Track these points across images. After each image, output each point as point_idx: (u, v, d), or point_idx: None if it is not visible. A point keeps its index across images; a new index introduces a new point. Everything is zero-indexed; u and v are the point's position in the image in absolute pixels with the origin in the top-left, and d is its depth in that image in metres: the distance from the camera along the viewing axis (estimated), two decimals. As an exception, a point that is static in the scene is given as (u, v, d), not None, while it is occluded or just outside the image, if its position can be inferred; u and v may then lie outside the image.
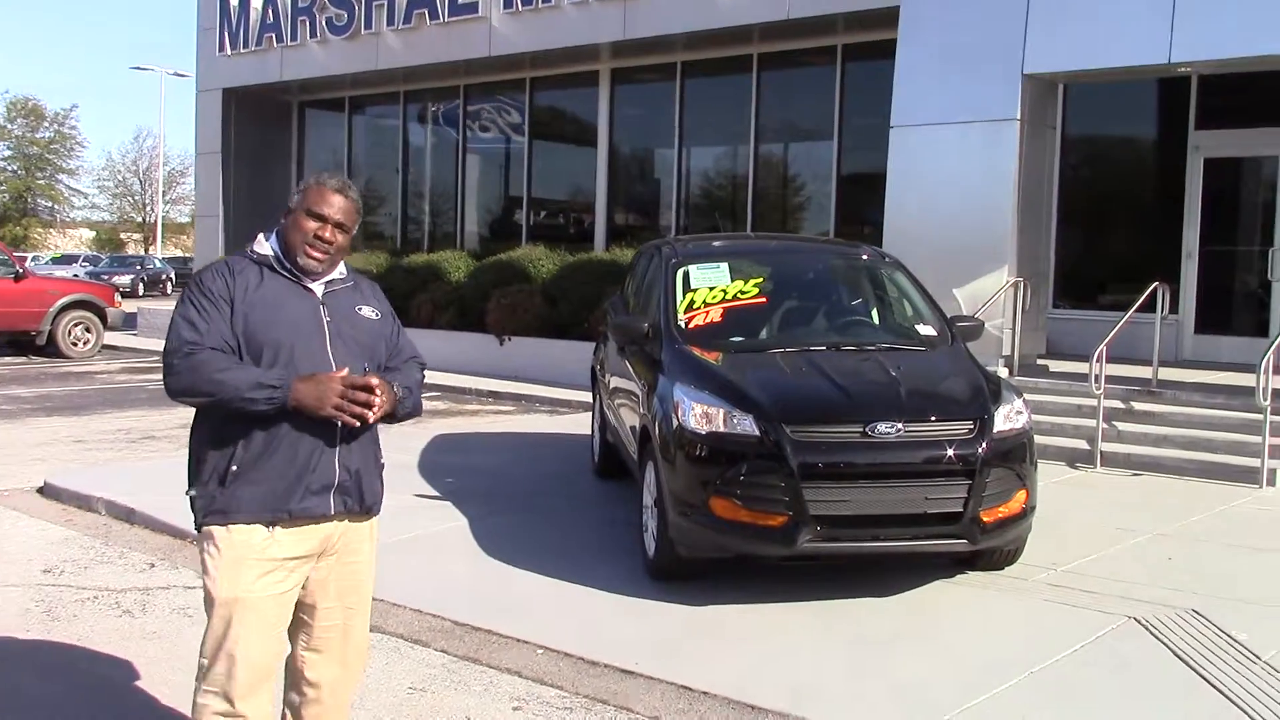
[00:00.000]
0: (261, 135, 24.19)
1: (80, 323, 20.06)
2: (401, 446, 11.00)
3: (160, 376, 3.72)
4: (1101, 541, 7.72)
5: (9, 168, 78.52)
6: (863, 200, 16.34)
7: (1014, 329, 11.94)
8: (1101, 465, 10.36)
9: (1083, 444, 10.64)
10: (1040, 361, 12.66)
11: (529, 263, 17.75)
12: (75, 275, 46.28)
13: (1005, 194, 11.96)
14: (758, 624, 6.10)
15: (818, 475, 6.01)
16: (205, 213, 24.18)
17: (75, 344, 19.97)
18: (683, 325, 7.29)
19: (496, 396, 15.48)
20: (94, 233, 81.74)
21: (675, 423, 6.43)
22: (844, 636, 5.92)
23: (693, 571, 6.60)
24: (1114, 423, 10.78)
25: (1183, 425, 10.56)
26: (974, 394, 6.50)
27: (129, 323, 24.15)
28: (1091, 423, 10.58)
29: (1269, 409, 9.54)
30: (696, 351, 6.99)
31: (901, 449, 6.09)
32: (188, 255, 54.50)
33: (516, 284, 17.41)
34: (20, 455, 10.83)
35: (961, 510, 6.10)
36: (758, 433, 6.13)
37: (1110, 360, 10.82)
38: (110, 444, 11.60)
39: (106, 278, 44.56)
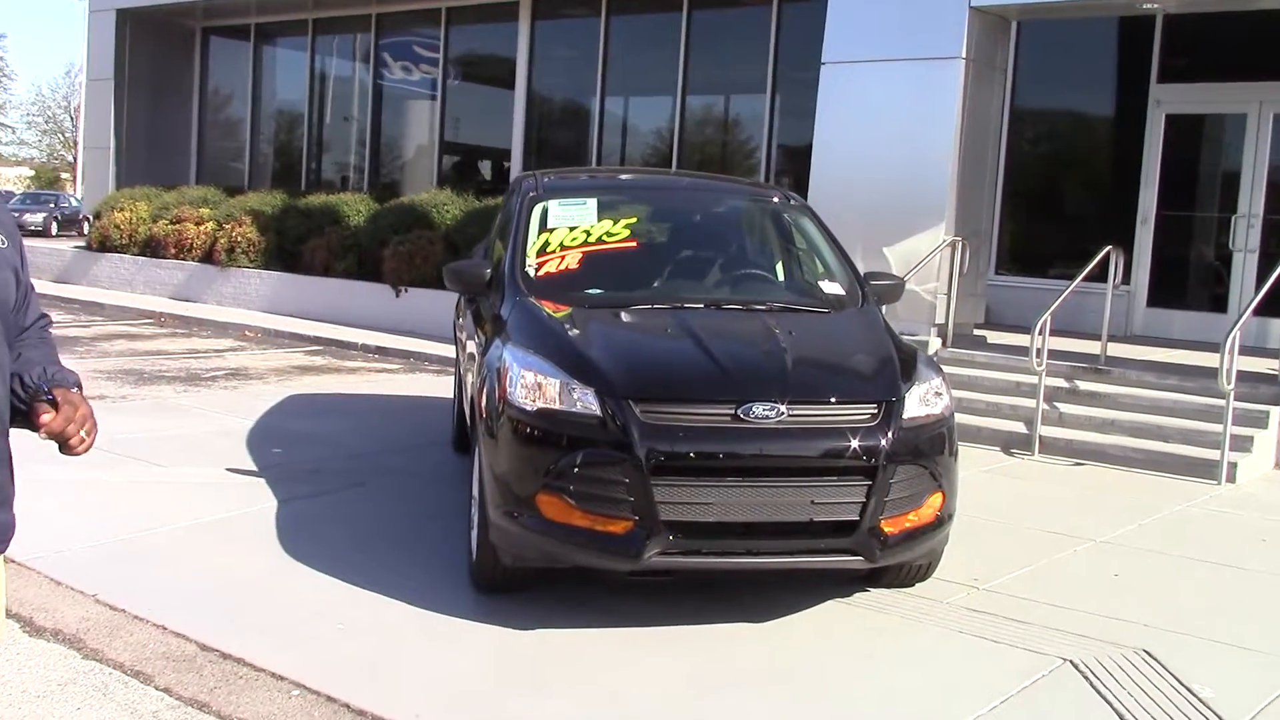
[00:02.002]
0: (160, 63, 22.32)
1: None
2: (244, 409, 9.57)
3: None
4: (1035, 550, 6.43)
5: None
6: (803, 156, 14.94)
7: (949, 294, 10.63)
8: (1040, 452, 9.09)
9: (1020, 427, 9.37)
10: (978, 332, 11.38)
11: (433, 208, 16.20)
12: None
13: (945, 142, 10.61)
14: (593, 657, 4.74)
15: (672, 470, 4.64)
16: (94, 144, 22.32)
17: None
18: (530, 273, 5.86)
19: (384, 353, 13.99)
20: (33, 171, 78.79)
21: (499, 394, 5.03)
22: (701, 678, 4.57)
23: (522, 582, 5.23)
24: (1056, 404, 9.51)
25: (1131, 409, 9.30)
26: (880, 370, 5.15)
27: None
28: (1031, 403, 9.30)
29: (1232, 394, 8.29)
30: (544, 306, 5.57)
31: (782, 438, 4.73)
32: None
33: (417, 230, 15.88)
34: None
35: (857, 518, 4.76)
36: (598, 412, 4.74)
37: (1055, 333, 9.54)
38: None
39: (17, 215, 42.56)
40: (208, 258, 18.18)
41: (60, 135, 78.40)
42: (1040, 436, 9.13)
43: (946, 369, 10.29)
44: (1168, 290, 12.83)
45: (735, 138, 17.07)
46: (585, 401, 4.77)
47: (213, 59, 23.02)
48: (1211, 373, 8.54)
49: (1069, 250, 12.74)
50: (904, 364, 5.22)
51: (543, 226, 6.09)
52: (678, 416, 4.73)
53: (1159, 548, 6.63)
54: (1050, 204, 14.11)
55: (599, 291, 5.79)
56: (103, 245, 20.05)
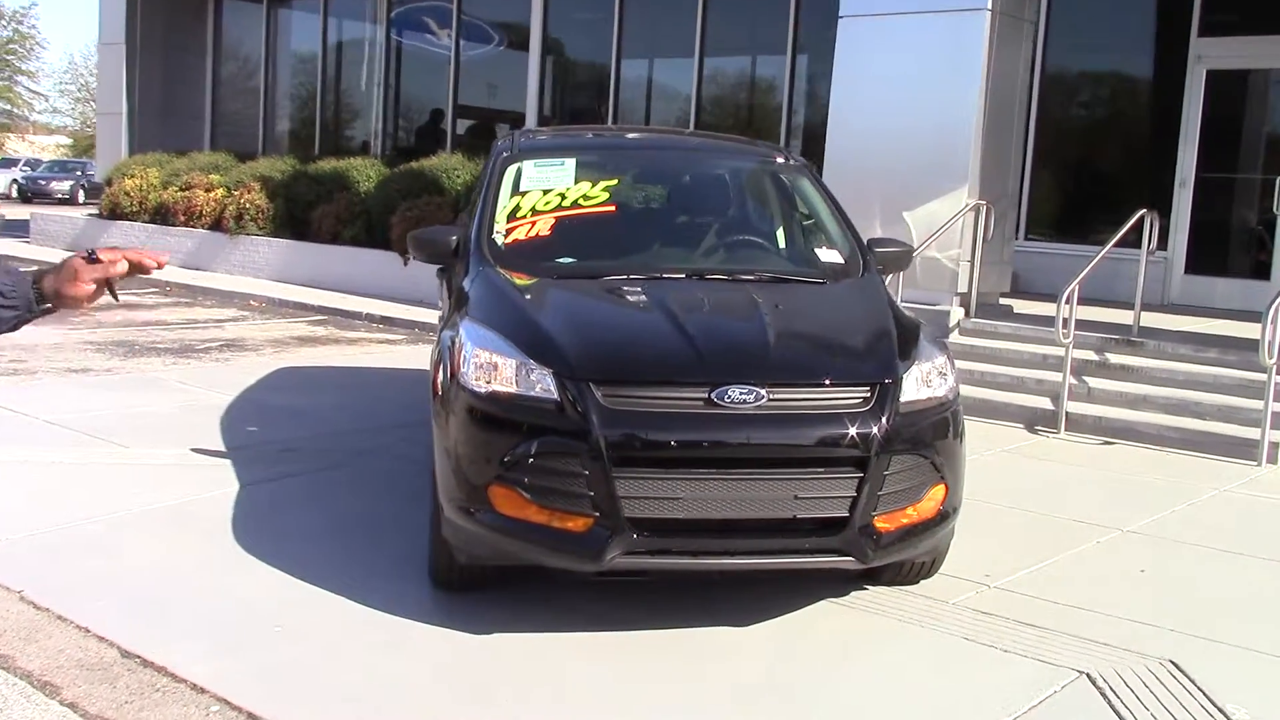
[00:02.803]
0: (173, 27, 21.86)
1: (-51, 227, 17.97)
2: (229, 383, 9.14)
3: None
4: (1054, 541, 5.89)
5: (-49, 67, 75.51)
6: (824, 118, 14.28)
7: (973, 261, 10.03)
8: (1066, 430, 8.52)
9: (1046, 403, 8.80)
10: (1004, 301, 10.78)
11: (443, 173, 15.69)
12: (14, 181, 44.08)
13: (968, 100, 9.97)
14: (553, 668, 4.26)
15: (637, 461, 4.14)
16: (107, 109, 21.94)
17: (-57, 250, 17.90)
18: (498, 240, 5.35)
19: (389, 323, 13.55)
20: (70, 140, 78.81)
21: (451, 374, 4.54)
22: (667, 690, 4.09)
23: (482, 580, 4.76)
24: (1084, 378, 8.93)
25: (1166, 383, 8.70)
26: (876, 348, 4.61)
27: (20, 229, 22.18)
28: (1057, 377, 8.72)
29: (1274, 368, 7.69)
30: (509, 277, 5.07)
31: (762, 425, 4.21)
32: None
33: (427, 196, 15.39)
34: None
35: (847, 514, 4.24)
36: (556, 396, 4.23)
37: (1085, 302, 8.95)
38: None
39: (44, 183, 42.42)
40: (217, 225, 17.78)
41: (92, 103, 78.40)
42: (1067, 413, 8.56)
43: (968, 341, 9.80)
44: (1207, 256, 12.18)
45: (755, 99, 16.45)
46: (544, 384, 4.27)
47: (226, 22, 22.57)
48: (1253, 345, 7.93)
49: (1103, 214, 12.10)
50: (904, 341, 4.68)
51: (515, 189, 5.58)
52: (644, 401, 4.22)
53: (1191, 538, 6.07)
54: (1084, 165, 13.45)
55: (571, 260, 5.27)
56: (113, 213, 19.70)
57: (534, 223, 5.37)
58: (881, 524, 4.32)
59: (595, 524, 4.14)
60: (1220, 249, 12.32)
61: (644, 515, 4.14)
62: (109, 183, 20.26)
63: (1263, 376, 7.80)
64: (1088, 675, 4.26)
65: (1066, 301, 8.44)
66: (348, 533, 5.63)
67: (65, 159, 51.16)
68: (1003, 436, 8.39)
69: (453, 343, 4.63)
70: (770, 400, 4.21)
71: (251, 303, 14.99)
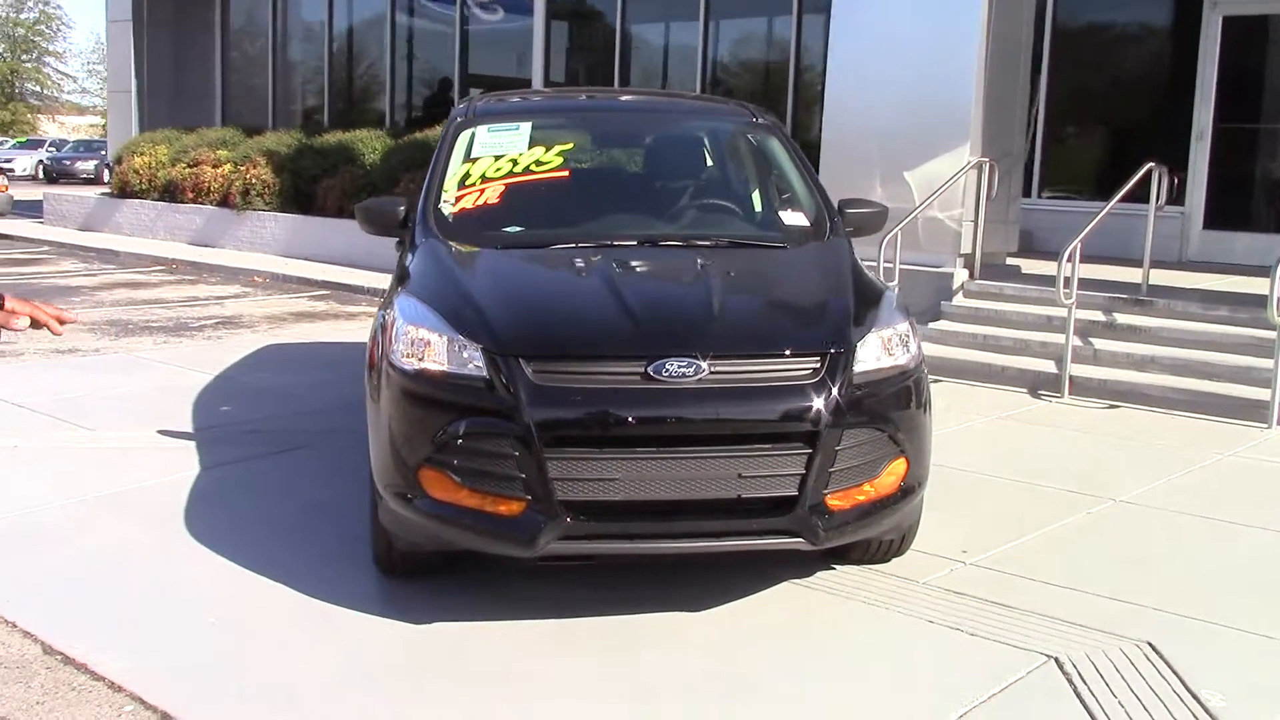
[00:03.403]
0: (181, 1, 21.73)
1: (-41, 208, 17.93)
2: (213, 361, 9.01)
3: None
4: (1042, 512, 5.62)
5: (-7, 49, 75.91)
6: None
7: (976, 221, 9.70)
8: (1070, 393, 8.22)
9: (1050, 366, 8.50)
10: (1012, 261, 10.45)
11: (447, 143, 15.45)
12: (40, 161, 44.26)
13: (968, 54, 9.60)
14: (492, 661, 4.05)
15: (568, 440, 3.90)
16: (117, 87, 21.82)
17: (-46, 232, 17.88)
18: (445, 210, 5.11)
19: (390, 296, 13.34)
20: (102, 120, 79.10)
21: (383, 351, 4.33)
22: (611, 680, 3.87)
23: (428, 566, 4.55)
24: (1090, 339, 8.61)
25: (1174, 343, 8.37)
26: (829, 314, 4.35)
27: (34, 209, 22.17)
28: (1062, 339, 8.41)
29: (1285, 326, 7.35)
30: (454, 248, 4.84)
31: (702, 400, 3.96)
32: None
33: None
34: None
35: (796, 493, 3.99)
36: (485, 373, 4.00)
37: (1098, 260, 8.63)
38: None
39: (68, 163, 42.58)
40: (224, 201, 17.65)
41: (120, 83, 78.51)
42: (1070, 376, 8.25)
43: (972, 303, 9.48)
44: (1227, 211, 11.76)
45: (763, 60, 16.09)
46: (475, 361, 4.04)
47: (234, -3, 22.38)
48: (1266, 302, 7.59)
49: (1121, 169, 11.63)
50: (862, 307, 4.41)
51: (467, 155, 5.33)
52: (576, 377, 3.98)
53: (1189, 508, 5.78)
54: (1100, 119, 13.04)
55: (518, 230, 5.03)
56: (123, 191, 19.62)
57: (483, 191, 5.13)
58: (835, 502, 4.07)
59: (527, 508, 3.92)
60: (1240, 202, 11.90)
61: (578, 498, 3.91)
62: (119, 161, 20.17)
63: (1273, 334, 7.47)
64: (1056, 660, 4.01)
65: (1068, 260, 8.12)
66: (303, 517, 5.44)
67: (90, 139, 51.18)
68: (1004, 402, 8.10)
69: (385, 319, 4.41)
70: (711, 373, 3.96)
71: (255, 279, 14.85)
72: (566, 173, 5.23)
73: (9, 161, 45.20)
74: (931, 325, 9.41)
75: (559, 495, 3.88)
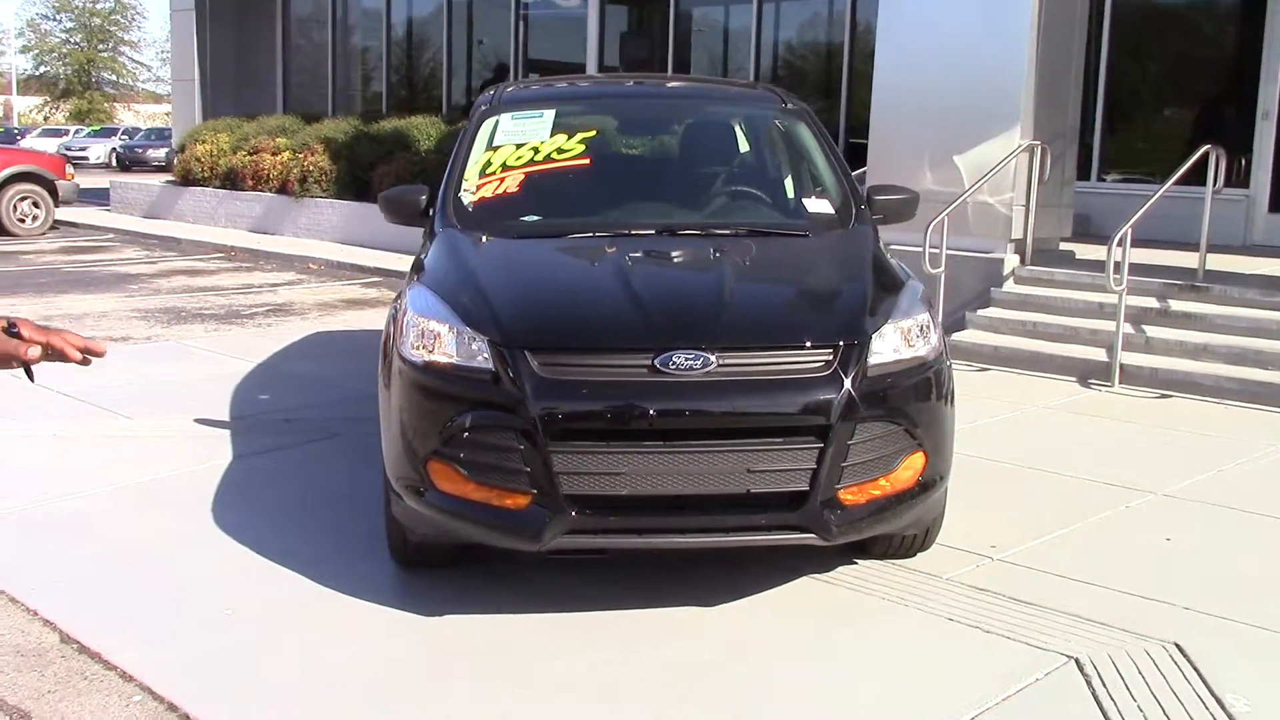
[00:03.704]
0: (243, -10, 21.99)
1: (27, 197, 18.27)
2: (259, 349, 9.09)
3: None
4: (1079, 506, 5.48)
5: (71, 40, 77.45)
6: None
7: (1027, 205, 9.48)
8: (1121, 382, 8.02)
9: (1101, 354, 8.29)
10: (1067, 246, 10.20)
11: (500, 129, 15.45)
12: (114, 150, 45.07)
13: (1018, 34, 9.37)
14: (505, 655, 4.01)
15: (573, 434, 3.85)
16: (181, 76, 22.12)
17: (22, 220, 18.22)
18: (465, 199, 5.08)
19: (442, 283, 13.38)
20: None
21: (393, 343, 4.31)
22: (620, 677, 3.82)
23: (443, 557, 4.53)
24: (1143, 327, 8.40)
25: (1229, 331, 8.14)
26: (844, 305, 4.25)
27: (102, 197, 22.56)
28: (1113, 326, 8.19)
29: (1343, 314, 7.10)
30: (470, 238, 4.80)
31: (710, 393, 3.88)
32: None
33: (483, 153, 15.17)
34: None
35: (807, 488, 3.90)
36: (491, 366, 3.96)
37: (1157, 245, 8.39)
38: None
39: (140, 151, 43.30)
40: (283, 188, 17.82)
41: (194, 71, 79.71)
42: (1121, 365, 8.05)
43: (1023, 290, 9.29)
44: (1293, 193, 11.41)
45: (818, 42, 15.89)
46: (482, 354, 4.00)
47: (294, -16, 22.56)
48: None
49: (1183, 150, 11.36)
50: (880, 297, 4.31)
51: (489, 144, 5.29)
52: (582, 369, 3.92)
53: (1234, 502, 5.60)
54: (1161, 99, 12.70)
55: (536, 219, 4.98)
56: (186, 179, 19.88)
57: (503, 179, 5.09)
58: (848, 497, 3.98)
59: (533, 502, 3.87)
60: (1308, 184, 11.54)
61: (584, 492, 3.86)
62: (182, 149, 20.45)
63: (1332, 322, 7.23)
64: (1076, 661, 3.89)
65: (1119, 245, 7.91)
66: (327, 507, 5.45)
67: (162, 127, 51.97)
68: (1051, 391, 7.92)
69: (397, 309, 4.39)
70: (720, 365, 3.89)
71: (310, 266, 14.98)
72: (587, 160, 5.17)
73: (83, 150, 46.10)
74: (980, 312, 9.23)
75: (565, 489, 3.84)
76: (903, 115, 9.98)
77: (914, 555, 4.72)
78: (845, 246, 4.78)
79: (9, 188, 18.06)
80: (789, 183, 5.36)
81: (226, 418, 6.99)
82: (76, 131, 52.98)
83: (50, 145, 47.63)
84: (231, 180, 18.87)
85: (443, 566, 4.57)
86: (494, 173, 5.13)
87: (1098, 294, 8.71)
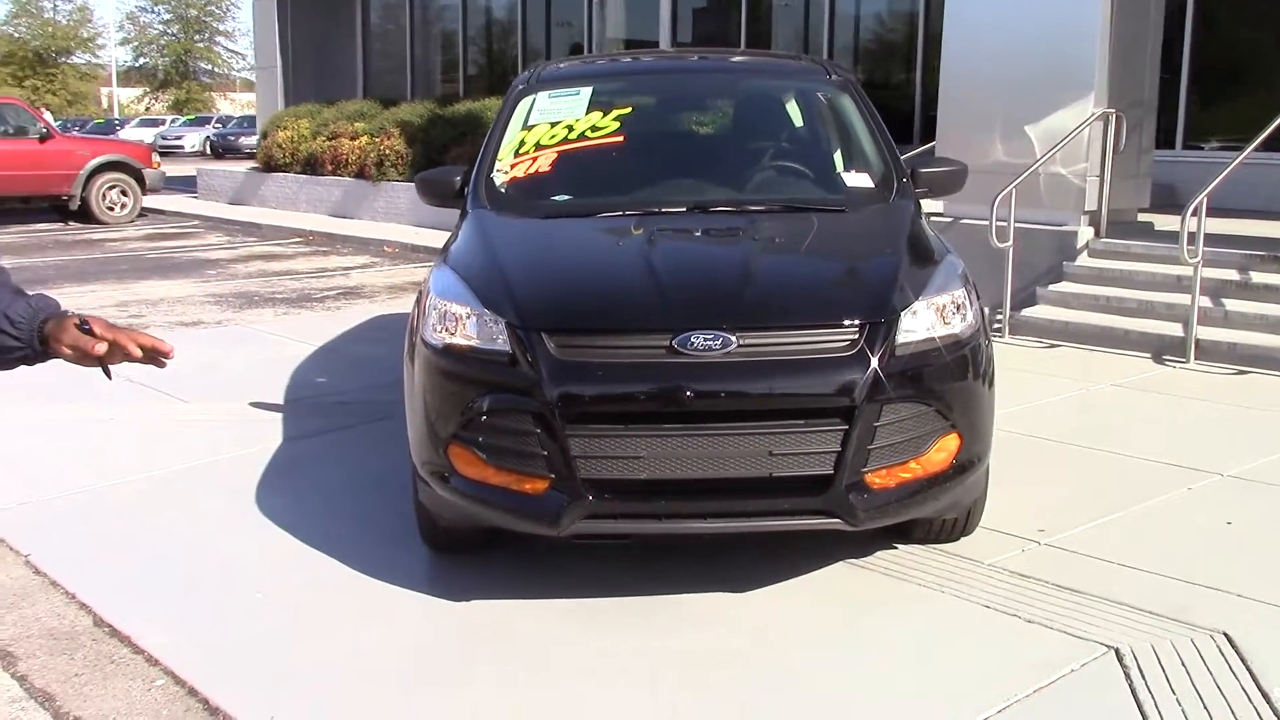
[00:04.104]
0: (322, -25, 22.21)
1: (115, 185, 18.68)
2: (324, 332, 9.17)
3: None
4: (1138, 488, 5.27)
5: (168, 31, 79.19)
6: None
7: (1101, 176, 9.17)
8: (1197, 358, 7.72)
9: (1177, 329, 7.98)
10: (1145, 217, 9.86)
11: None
12: (207, 138, 45.99)
13: (1092, -3, 9.05)
14: (530, 641, 3.96)
15: (590, 417, 3.77)
16: (264, 64, 22.45)
17: (111, 208, 18.65)
18: (497, 179, 5.02)
19: (512, 264, 13.39)
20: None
21: (416, 326, 4.27)
22: (649, 671, 3.74)
23: (472, 541, 4.49)
24: (1221, 300, 8.07)
25: (1314, 304, 7.78)
26: (873, 282, 4.10)
27: (190, 185, 23.01)
28: (1189, 300, 7.89)
29: None
30: (499, 219, 4.74)
31: (730, 374, 3.78)
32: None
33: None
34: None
35: (832, 472, 3.78)
36: (508, 348, 3.90)
37: (1245, 215, 8.04)
38: None
39: (232, 139, 44.13)
40: (361, 173, 17.98)
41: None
42: (1197, 340, 7.75)
43: (1096, 263, 8.99)
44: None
45: (891, 13, 15.57)
46: (496, 336, 3.94)
47: (373, -31, 22.74)
48: None
49: (1273, 116, 10.96)
50: (914, 272, 4.15)
51: (525, 123, 5.22)
52: (599, 351, 3.84)
53: (1304, 483, 5.35)
54: (1249, 63, 12.22)
55: (566, 198, 4.90)
56: (268, 165, 20.17)
57: (535, 159, 5.01)
58: (876, 481, 3.84)
59: (551, 487, 3.81)
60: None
61: (602, 476, 3.78)
62: (265, 135, 20.74)
63: None
64: (1116, 651, 3.72)
65: (1193, 214, 7.60)
66: (365, 492, 5.44)
67: (254, 114, 52.86)
68: (1122, 368, 7.65)
69: (420, 293, 4.35)
70: (740, 346, 3.78)
71: (385, 249, 15.10)
72: (621, 138, 5.07)
73: (178, 139, 47.14)
74: (1051, 287, 8.97)
75: (582, 473, 3.76)
76: (973, 85, 9.72)
77: (956, 539, 4.57)
78: (882, 221, 4.63)
79: (98, 177, 18.48)
80: (829, 157, 5.20)
81: (281, 401, 7.04)
82: (172, 121, 54.14)
83: (147, 135, 48.86)
84: (312, 165, 19.10)
85: (472, 551, 4.53)
86: (527, 152, 5.06)
87: (1175, 266, 8.39)
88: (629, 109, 5.23)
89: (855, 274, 4.19)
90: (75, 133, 39.47)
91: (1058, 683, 3.56)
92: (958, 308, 4.10)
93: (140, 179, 18.88)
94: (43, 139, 17.99)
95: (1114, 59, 9.12)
